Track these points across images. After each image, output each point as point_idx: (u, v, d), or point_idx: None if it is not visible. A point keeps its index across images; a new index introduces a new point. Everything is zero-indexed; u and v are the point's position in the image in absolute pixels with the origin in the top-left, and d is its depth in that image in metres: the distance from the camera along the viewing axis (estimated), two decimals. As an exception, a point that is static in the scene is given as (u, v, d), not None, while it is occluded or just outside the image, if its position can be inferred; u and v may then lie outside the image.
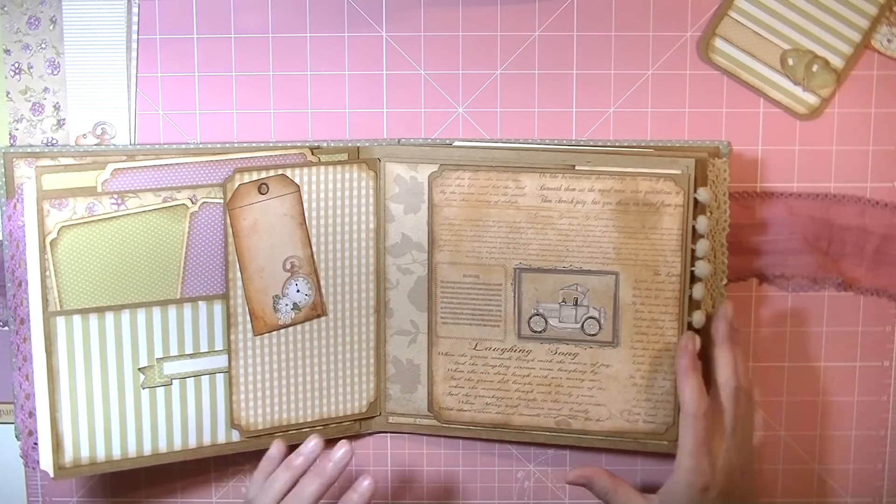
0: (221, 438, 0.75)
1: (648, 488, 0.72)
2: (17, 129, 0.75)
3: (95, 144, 0.75)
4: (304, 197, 0.73)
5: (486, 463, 0.79)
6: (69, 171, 0.70)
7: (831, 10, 0.74)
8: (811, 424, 0.79)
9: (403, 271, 0.75)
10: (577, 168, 0.72)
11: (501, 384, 0.75)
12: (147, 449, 0.73)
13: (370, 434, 0.79)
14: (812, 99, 0.75)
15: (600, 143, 0.75)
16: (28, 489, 0.79)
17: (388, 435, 0.79)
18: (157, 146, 0.75)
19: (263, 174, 0.72)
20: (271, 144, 0.75)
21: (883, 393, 0.78)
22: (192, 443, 0.74)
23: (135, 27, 0.75)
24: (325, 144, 0.75)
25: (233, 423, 0.74)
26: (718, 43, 0.75)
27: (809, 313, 0.77)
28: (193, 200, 0.72)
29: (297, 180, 0.73)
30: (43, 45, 0.75)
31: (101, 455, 0.72)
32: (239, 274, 0.73)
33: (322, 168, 0.73)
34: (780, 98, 0.76)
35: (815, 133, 0.76)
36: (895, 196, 0.76)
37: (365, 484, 0.68)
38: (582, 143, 0.75)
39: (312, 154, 0.73)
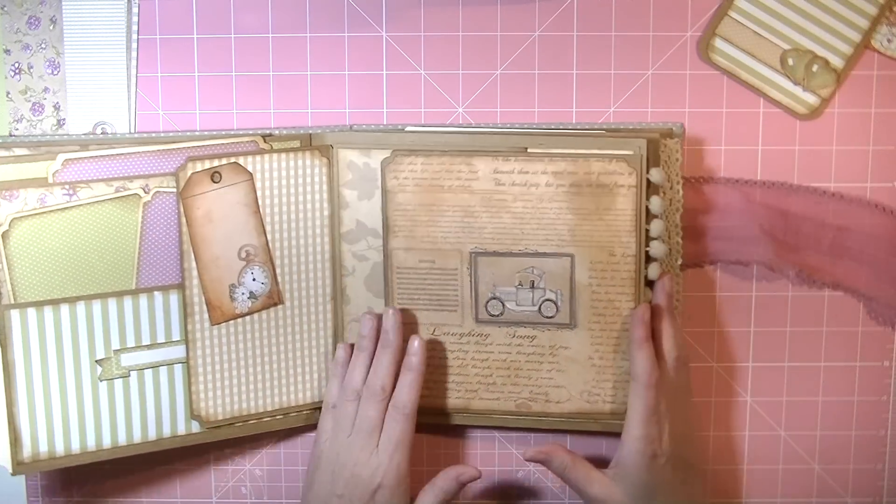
0: (181, 430, 0.74)
1: (601, 465, 0.72)
2: (17, 129, 0.75)
3: (46, 134, 0.75)
4: (258, 185, 0.73)
5: (487, 463, 0.79)
6: (20, 162, 0.69)
7: (831, 10, 0.74)
8: (811, 424, 0.79)
9: (359, 258, 0.75)
10: (529, 150, 0.72)
11: (460, 369, 0.75)
12: (106, 442, 0.72)
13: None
14: (812, 99, 0.75)
15: (553, 126, 0.75)
16: (28, 489, 0.79)
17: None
18: (109, 136, 0.75)
19: (216, 162, 0.72)
20: (224, 132, 0.75)
21: (883, 393, 0.78)
22: (152, 434, 0.73)
23: (135, 27, 0.75)
24: (277, 132, 0.75)
25: (192, 414, 0.74)
26: (718, 43, 0.75)
27: (809, 313, 0.77)
28: (146, 190, 0.71)
29: (249, 168, 0.73)
30: (43, 45, 0.75)
31: (59, 449, 0.71)
32: (194, 263, 0.72)
33: (275, 155, 0.73)
34: (780, 98, 0.76)
35: (815, 133, 0.76)
36: (895, 196, 0.76)
37: (416, 344, 0.72)
38: (534, 125, 0.75)
39: (265, 141, 0.73)
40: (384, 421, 0.71)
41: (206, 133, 0.75)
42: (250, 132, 0.74)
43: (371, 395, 0.71)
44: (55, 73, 0.75)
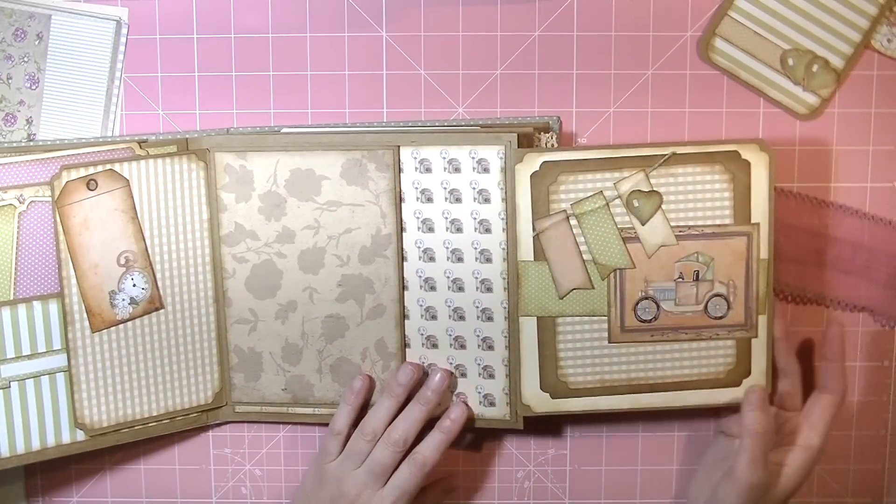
0: (66, 439, 0.74)
1: None
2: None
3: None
4: (135, 191, 0.73)
5: (487, 463, 0.80)
6: None
7: (831, 10, 0.74)
8: (811, 424, 0.79)
9: (239, 260, 0.75)
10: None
11: None
12: None
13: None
14: (812, 99, 0.75)
15: (429, 123, 0.76)
16: (28, 488, 0.79)
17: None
18: None
19: (91, 170, 0.72)
20: (99, 139, 0.75)
21: (883, 393, 0.78)
22: (36, 445, 0.73)
23: (119, 65, 0.75)
24: (153, 137, 0.75)
25: (77, 423, 0.73)
26: (718, 43, 0.75)
27: (809, 313, 0.77)
28: (21, 200, 0.71)
29: (126, 174, 0.72)
30: (25, 59, 0.75)
31: None
32: (73, 271, 0.72)
33: (151, 161, 0.73)
34: (780, 98, 0.76)
35: (815, 133, 0.76)
36: (895, 196, 0.76)
37: (457, 411, 0.73)
38: (410, 123, 0.76)
39: (140, 148, 0.73)
40: (396, 467, 0.72)
41: (80, 141, 0.75)
42: (126, 138, 0.75)
43: (391, 444, 0.71)
44: (34, 87, 0.75)
